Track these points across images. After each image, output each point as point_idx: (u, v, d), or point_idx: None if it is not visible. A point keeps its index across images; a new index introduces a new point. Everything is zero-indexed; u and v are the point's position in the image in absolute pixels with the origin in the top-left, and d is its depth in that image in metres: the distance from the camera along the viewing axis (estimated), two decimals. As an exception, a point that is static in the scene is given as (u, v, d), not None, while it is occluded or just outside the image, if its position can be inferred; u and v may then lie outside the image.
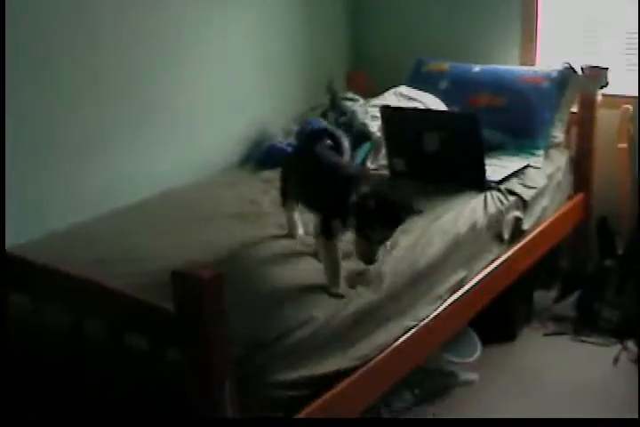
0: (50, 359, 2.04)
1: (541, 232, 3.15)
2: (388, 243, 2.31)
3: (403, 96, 3.49)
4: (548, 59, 3.69)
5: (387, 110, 3.14)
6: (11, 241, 2.35)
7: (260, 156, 3.38)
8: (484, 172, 2.97)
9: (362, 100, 3.61)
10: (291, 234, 2.57)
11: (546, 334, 3.46)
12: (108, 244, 2.55)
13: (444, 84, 3.63)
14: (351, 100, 3.59)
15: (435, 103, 3.48)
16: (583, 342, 3.39)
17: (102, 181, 3.01)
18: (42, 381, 2.08)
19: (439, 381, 3.08)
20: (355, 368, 2.18)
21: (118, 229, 2.70)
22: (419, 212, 2.20)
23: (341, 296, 2.20)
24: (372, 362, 2.24)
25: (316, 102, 3.74)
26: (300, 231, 2.57)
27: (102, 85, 2.98)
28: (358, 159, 3.33)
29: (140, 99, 3.13)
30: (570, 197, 3.48)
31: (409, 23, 4.00)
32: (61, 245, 2.54)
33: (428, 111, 3.23)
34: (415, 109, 3.24)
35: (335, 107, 3.59)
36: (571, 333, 3.45)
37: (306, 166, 2.47)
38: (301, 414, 2.00)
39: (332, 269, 2.24)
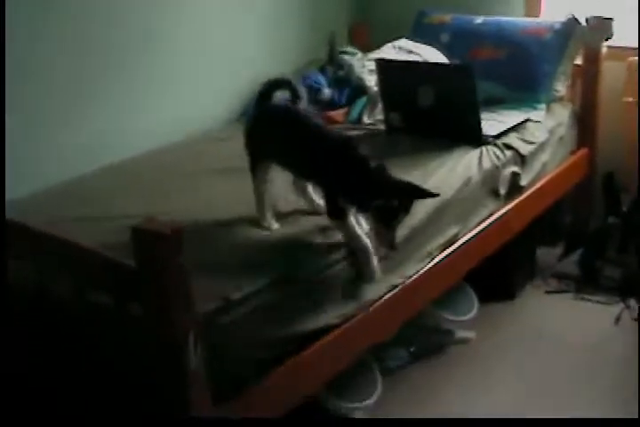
0: (18, 317, 2.02)
1: (541, 188, 3.08)
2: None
3: (401, 49, 3.40)
4: (554, 10, 3.57)
5: (382, 63, 3.07)
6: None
7: (253, 110, 3.31)
8: (479, 126, 2.89)
9: (360, 54, 3.54)
10: (261, 218, 2.31)
11: (547, 292, 3.41)
12: (90, 202, 2.52)
13: (445, 37, 3.53)
14: (349, 53, 3.52)
15: (435, 56, 3.39)
16: (585, 300, 3.33)
17: (94, 137, 2.95)
18: (9, 339, 2.05)
19: (435, 338, 3.05)
20: (335, 326, 2.14)
21: (103, 186, 2.67)
22: (436, 195, 2.16)
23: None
24: (354, 320, 2.19)
25: (316, 56, 3.65)
26: (272, 220, 2.31)
27: (97, 33, 2.91)
28: (354, 114, 3.26)
29: (135, 50, 3.07)
30: (573, 153, 3.38)
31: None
32: (43, 203, 2.51)
33: (423, 64, 3.15)
34: (410, 62, 3.15)
35: (333, 61, 3.52)
36: (573, 291, 3.38)
37: (293, 132, 2.27)
38: (276, 373, 1.96)
39: (361, 247, 2.17)
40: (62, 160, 2.86)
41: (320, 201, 2.30)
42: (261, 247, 2.17)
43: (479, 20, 3.48)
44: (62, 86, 2.85)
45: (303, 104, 2.35)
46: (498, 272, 3.34)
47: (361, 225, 2.20)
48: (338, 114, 3.26)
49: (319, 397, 2.51)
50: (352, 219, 2.14)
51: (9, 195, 2.41)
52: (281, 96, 2.42)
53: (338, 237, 2.21)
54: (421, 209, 2.47)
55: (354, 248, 2.17)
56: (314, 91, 3.36)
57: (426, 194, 2.11)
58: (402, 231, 2.33)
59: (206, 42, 3.36)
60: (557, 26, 3.32)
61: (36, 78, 2.75)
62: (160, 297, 1.66)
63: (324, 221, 2.24)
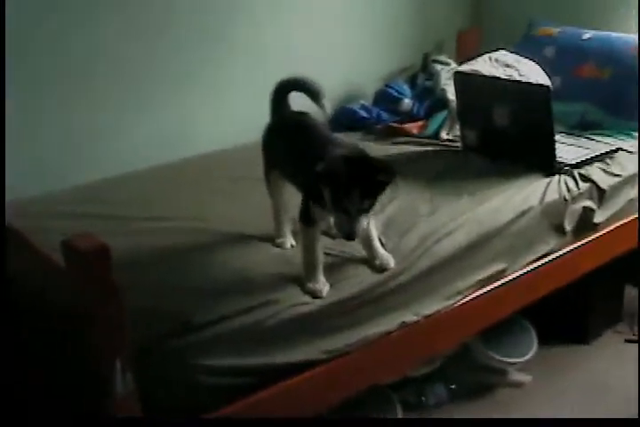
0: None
1: (623, 228, 2.75)
2: (387, 256, 2.08)
3: (498, 62, 3.15)
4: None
5: (459, 76, 2.85)
6: (30, 193, 2.45)
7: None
8: (553, 152, 2.62)
9: (453, 64, 3.31)
10: (276, 234, 2.17)
11: (627, 341, 3.07)
12: (113, 202, 2.50)
13: (550, 51, 3.26)
14: (442, 63, 3.30)
15: (533, 72, 3.13)
16: (669, 355, 2.97)
17: (150, 136, 2.93)
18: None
19: (483, 377, 2.82)
20: (321, 362, 1.96)
21: (137, 188, 2.63)
22: (393, 175, 1.82)
23: (317, 295, 1.95)
24: (347, 357, 2.01)
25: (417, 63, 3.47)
26: (287, 237, 2.17)
27: (154, 32, 2.87)
28: (431, 128, 3.05)
29: (206, 49, 3.01)
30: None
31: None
32: (67, 201, 2.51)
33: (501, 80, 2.88)
34: (488, 77, 2.89)
35: (425, 69, 3.31)
36: (659, 342, 3.03)
37: (290, 132, 2.13)
38: (236, 406, 1.83)
39: (308, 261, 1.99)
40: (113, 159, 2.85)
41: (382, 252, 2.10)
42: (252, 269, 2.03)
43: (587, 34, 3.18)
44: (116, 84, 2.83)
45: (324, 103, 2.12)
46: (574, 313, 3.05)
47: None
48: (414, 126, 3.08)
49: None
50: (318, 230, 1.97)
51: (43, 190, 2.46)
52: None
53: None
54: (456, 239, 2.26)
55: (303, 260, 1.99)
56: (393, 100, 3.19)
57: (391, 173, 1.80)
58: (423, 262, 2.14)
59: (291, 44, 3.25)
60: (670, 45, 2.97)
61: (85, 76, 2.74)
62: (83, 319, 1.56)
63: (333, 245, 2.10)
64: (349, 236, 1.83)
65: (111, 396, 1.60)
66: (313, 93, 2.10)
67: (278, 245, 2.17)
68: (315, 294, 1.95)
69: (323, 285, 1.97)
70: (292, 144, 2.09)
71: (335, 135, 2.11)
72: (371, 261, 2.07)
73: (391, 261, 2.06)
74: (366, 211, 1.82)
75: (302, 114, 2.16)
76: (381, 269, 2.06)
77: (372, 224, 2.02)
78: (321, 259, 1.99)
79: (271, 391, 1.88)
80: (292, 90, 2.18)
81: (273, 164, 2.18)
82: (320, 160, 1.80)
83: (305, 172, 1.93)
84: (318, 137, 2.04)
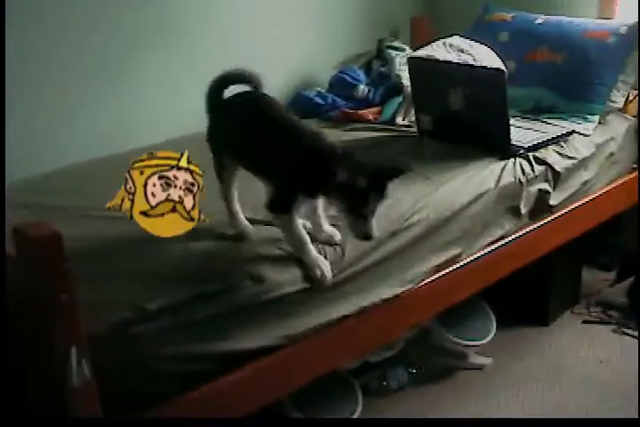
0: None
1: (578, 210, 2.78)
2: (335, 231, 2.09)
3: (452, 47, 3.15)
4: (631, 12, 3.22)
5: (414, 61, 2.85)
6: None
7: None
8: (508, 136, 2.63)
9: (408, 50, 3.31)
10: (236, 225, 2.12)
11: (585, 322, 3.11)
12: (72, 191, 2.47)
13: (504, 36, 3.26)
14: (397, 49, 3.30)
15: (488, 57, 3.13)
16: (625, 334, 3.01)
17: (108, 124, 2.90)
18: None
19: (444, 360, 2.85)
20: (275, 348, 1.96)
21: (90, 178, 2.58)
22: (408, 170, 1.95)
23: (323, 282, 2.00)
24: (301, 343, 2.00)
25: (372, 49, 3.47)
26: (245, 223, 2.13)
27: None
28: (387, 113, 3.06)
29: (159, 27, 2.97)
30: (629, 173, 3.04)
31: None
32: (21, 191, 2.46)
33: (455, 65, 2.88)
34: (442, 62, 2.90)
35: (380, 55, 3.31)
36: (615, 323, 3.07)
37: (224, 113, 2.11)
38: (193, 393, 1.81)
39: (297, 245, 1.99)
40: (73, 147, 2.81)
41: (327, 227, 2.10)
42: (208, 256, 2.01)
43: (540, 19, 3.19)
44: (79, 69, 2.80)
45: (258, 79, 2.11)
46: (532, 295, 3.08)
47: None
48: (369, 112, 3.07)
49: (283, 406, 2.38)
50: (296, 217, 1.96)
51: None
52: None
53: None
54: (410, 224, 2.26)
55: (292, 246, 2.00)
56: (348, 87, 3.18)
57: (398, 172, 1.91)
58: (377, 250, 2.15)
59: (248, 28, 3.23)
60: (623, 29, 3.00)
61: (61, 63, 2.74)
62: (37, 308, 1.54)
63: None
64: (367, 237, 1.90)
65: (67, 385, 1.57)
66: (257, 85, 2.09)
67: (239, 236, 2.12)
68: (324, 282, 2.00)
69: (323, 264, 2.00)
70: (250, 127, 2.05)
71: (293, 117, 2.09)
72: (317, 235, 2.06)
73: (337, 235, 2.06)
74: (375, 211, 1.89)
75: (257, 94, 2.10)
76: (328, 242, 2.06)
77: (319, 202, 2.03)
78: (307, 237, 1.99)
79: (229, 378, 1.88)
80: (231, 84, 2.12)
81: (223, 151, 2.12)
82: (294, 151, 1.91)
83: (277, 161, 1.97)
84: (281, 122, 2.02)
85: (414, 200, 2.34)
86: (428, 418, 2.56)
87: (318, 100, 3.15)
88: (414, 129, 2.94)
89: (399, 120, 3.03)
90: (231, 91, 2.14)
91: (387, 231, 2.19)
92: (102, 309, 1.74)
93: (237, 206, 2.14)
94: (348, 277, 2.10)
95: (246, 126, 2.06)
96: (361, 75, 3.25)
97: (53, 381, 1.59)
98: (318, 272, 1.98)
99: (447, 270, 2.38)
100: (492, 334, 2.83)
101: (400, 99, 3.07)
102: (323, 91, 3.24)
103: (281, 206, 1.96)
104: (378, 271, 2.18)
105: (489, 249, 2.51)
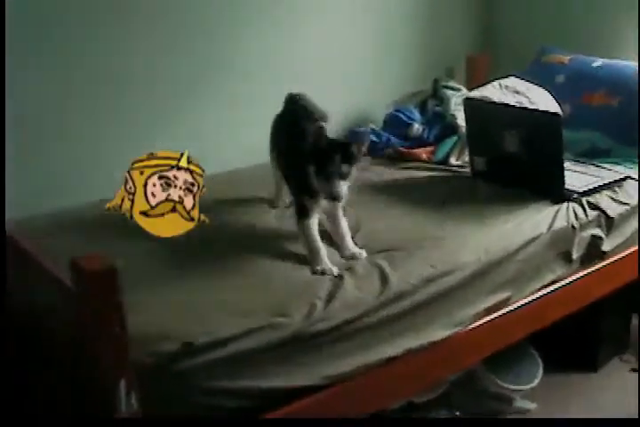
0: None
1: (630, 257, 2.74)
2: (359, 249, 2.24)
3: (508, 88, 3.17)
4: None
5: (470, 102, 2.86)
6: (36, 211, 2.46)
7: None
8: (562, 180, 2.62)
9: (464, 90, 3.32)
10: (274, 199, 2.53)
11: (633, 370, 3.05)
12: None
13: (560, 78, 3.27)
14: (452, 88, 3.31)
15: (544, 99, 3.14)
16: (676, 386, 2.95)
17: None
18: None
19: (488, 404, 2.80)
20: (320, 387, 1.95)
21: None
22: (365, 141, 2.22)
23: (328, 273, 2.12)
24: (346, 384, 2.00)
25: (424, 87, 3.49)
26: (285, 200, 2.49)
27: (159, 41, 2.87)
28: (440, 153, 3.06)
29: (221, 66, 3.06)
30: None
31: (542, 7, 3.64)
32: (74, 219, 2.53)
33: (511, 107, 2.88)
34: (498, 104, 2.90)
35: (436, 94, 3.32)
36: (664, 372, 3.02)
37: (285, 130, 2.48)
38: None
39: (310, 248, 2.18)
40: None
41: (352, 245, 2.26)
42: (254, 291, 2.03)
43: (598, 62, 3.19)
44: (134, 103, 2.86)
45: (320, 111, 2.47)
46: (581, 341, 3.04)
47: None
48: (423, 151, 3.09)
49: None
50: (314, 221, 2.20)
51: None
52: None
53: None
54: (461, 265, 2.25)
55: (306, 249, 2.19)
56: (403, 125, 3.20)
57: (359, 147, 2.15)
58: (426, 289, 2.14)
59: (305, 67, 3.28)
60: (682, 75, 2.97)
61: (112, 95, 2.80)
62: (89, 339, 1.56)
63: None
64: (334, 196, 2.12)
65: (114, 417, 1.59)
66: (308, 111, 2.47)
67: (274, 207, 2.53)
68: (326, 273, 2.11)
69: (330, 265, 2.14)
70: (285, 136, 2.43)
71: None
72: (342, 253, 2.23)
73: (363, 254, 2.21)
74: (345, 176, 2.10)
75: (304, 110, 2.46)
76: (352, 257, 2.21)
77: (343, 220, 2.27)
78: (321, 245, 2.18)
79: (271, 416, 1.87)
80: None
81: (273, 147, 2.51)
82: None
83: (294, 166, 2.28)
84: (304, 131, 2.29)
85: (466, 241, 2.33)
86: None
87: (373, 137, 3.17)
88: (468, 170, 2.93)
89: (453, 160, 3.03)
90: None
91: (436, 271, 2.19)
92: (152, 341, 1.75)
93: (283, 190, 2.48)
94: (394, 317, 2.09)
95: (282, 134, 2.49)
96: (416, 114, 3.27)
97: (101, 411, 1.61)
98: (327, 267, 2.13)
99: (497, 314, 2.35)
100: (538, 379, 2.79)
101: (454, 139, 3.07)
102: (377, 128, 3.26)
103: (298, 212, 2.22)
104: (425, 312, 2.16)
105: (539, 294, 2.48)
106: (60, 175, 2.69)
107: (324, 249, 2.18)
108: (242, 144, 3.07)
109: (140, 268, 2.09)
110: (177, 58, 2.90)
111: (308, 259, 2.17)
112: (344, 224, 2.27)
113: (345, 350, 2.00)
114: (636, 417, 2.40)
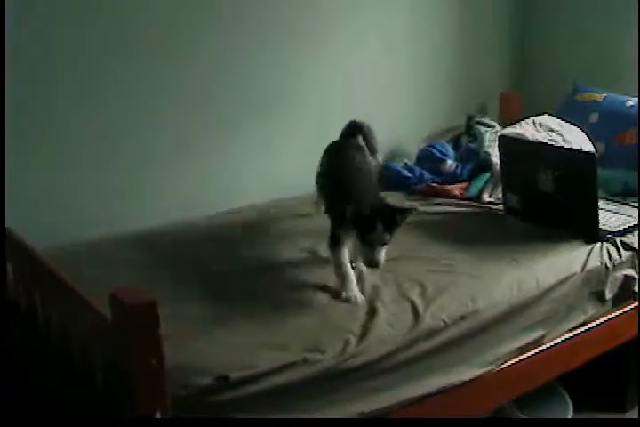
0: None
1: (663, 297, 2.73)
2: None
3: (542, 126, 3.17)
4: None
5: (504, 139, 2.86)
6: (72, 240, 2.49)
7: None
8: (596, 220, 2.61)
9: (497, 127, 3.34)
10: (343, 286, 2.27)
11: (661, 411, 3.01)
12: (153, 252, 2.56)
13: (594, 117, 3.27)
14: (486, 125, 3.32)
15: (577, 137, 3.14)
16: None
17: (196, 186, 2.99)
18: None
19: (517, 445, 2.77)
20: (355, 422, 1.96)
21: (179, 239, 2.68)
22: (412, 209, 2.28)
23: (352, 301, 2.16)
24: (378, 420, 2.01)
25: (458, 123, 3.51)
26: (356, 289, 2.25)
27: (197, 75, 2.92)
28: (473, 189, 3.07)
29: (264, 97, 3.11)
30: None
31: (576, 44, 3.65)
32: (110, 249, 2.57)
33: (546, 145, 2.89)
34: (532, 142, 2.91)
35: (469, 130, 3.34)
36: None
37: (332, 164, 2.59)
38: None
39: (340, 274, 2.23)
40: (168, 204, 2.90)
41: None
42: (289, 325, 2.04)
43: (631, 101, 3.19)
44: (163, 134, 2.90)
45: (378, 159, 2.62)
46: (611, 380, 3.02)
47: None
48: (456, 187, 3.09)
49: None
50: (345, 249, 2.24)
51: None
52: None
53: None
54: (494, 303, 2.25)
55: (336, 275, 2.24)
56: (436, 161, 3.21)
57: (405, 211, 2.21)
58: (458, 327, 2.14)
59: (340, 101, 3.31)
60: None
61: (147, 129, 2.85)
62: (127, 371, 1.58)
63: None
64: (373, 264, 2.15)
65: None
66: (367, 139, 2.65)
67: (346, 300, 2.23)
68: (350, 300, 2.16)
69: (357, 293, 2.19)
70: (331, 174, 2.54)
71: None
72: (338, 292, 2.20)
73: (359, 299, 2.18)
74: (385, 243, 2.14)
75: (355, 147, 2.60)
76: (344, 300, 2.17)
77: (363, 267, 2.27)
78: (351, 272, 2.24)
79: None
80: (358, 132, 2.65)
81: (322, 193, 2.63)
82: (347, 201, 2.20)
83: (335, 204, 2.36)
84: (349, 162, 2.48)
85: (499, 279, 2.33)
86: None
87: (406, 172, 3.19)
88: (500, 207, 2.93)
89: (485, 197, 3.03)
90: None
91: (468, 308, 2.20)
92: (186, 375, 1.77)
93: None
94: (426, 354, 2.09)
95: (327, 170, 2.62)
96: (449, 150, 3.29)
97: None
98: (352, 295, 2.18)
99: (528, 354, 2.35)
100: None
101: (487, 175, 3.09)
102: (410, 163, 3.28)
103: (331, 241, 2.27)
104: (457, 350, 2.17)
105: (571, 334, 2.48)
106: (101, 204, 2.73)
107: (353, 276, 2.23)
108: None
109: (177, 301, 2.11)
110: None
111: (337, 285, 2.22)
112: (362, 269, 2.32)
113: (377, 387, 2.01)
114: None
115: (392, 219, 2.15)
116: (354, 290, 2.19)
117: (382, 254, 2.13)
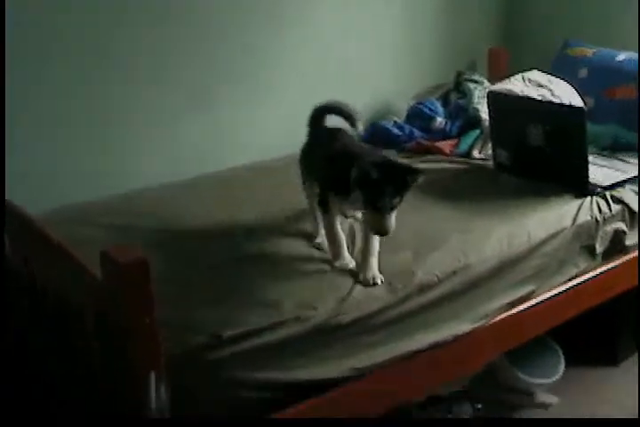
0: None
1: (655, 250, 2.73)
2: (377, 273, 2.09)
3: (531, 82, 3.15)
4: None
5: (493, 95, 2.85)
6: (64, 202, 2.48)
7: (365, 135, 3.16)
8: (586, 174, 2.61)
9: (486, 83, 3.32)
10: (317, 237, 2.29)
11: (654, 364, 3.04)
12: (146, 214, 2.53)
13: (583, 72, 3.25)
14: (475, 82, 3.30)
15: (567, 92, 3.13)
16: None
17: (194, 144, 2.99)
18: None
19: (510, 397, 2.81)
20: (349, 379, 1.97)
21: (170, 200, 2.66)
22: (421, 172, 1.98)
23: (346, 268, 2.10)
24: (370, 377, 2.01)
25: (449, 81, 3.49)
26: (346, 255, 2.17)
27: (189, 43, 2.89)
28: (463, 146, 3.06)
29: (239, 62, 3.04)
30: None
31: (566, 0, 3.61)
32: (102, 211, 2.55)
33: (535, 101, 2.88)
34: (522, 97, 2.90)
35: (458, 87, 3.32)
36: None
37: (313, 140, 2.37)
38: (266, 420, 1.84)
39: (332, 242, 2.15)
40: (157, 167, 2.88)
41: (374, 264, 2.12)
42: (283, 284, 2.04)
43: (622, 56, 3.17)
44: (169, 93, 2.88)
45: (359, 128, 2.31)
46: (602, 335, 3.04)
47: None
48: (446, 145, 3.08)
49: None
50: (337, 214, 2.14)
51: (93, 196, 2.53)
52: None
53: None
54: (485, 259, 2.25)
55: (327, 242, 2.17)
56: (426, 118, 3.20)
57: (415, 172, 1.97)
58: (451, 282, 2.14)
59: (326, 60, 3.29)
60: None
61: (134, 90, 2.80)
62: (119, 331, 1.58)
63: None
64: (382, 232, 1.98)
65: (146, 408, 1.61)
66: (348, 117, 2.28)
67: (316, 246, 2.26)
68: (344, 268, 2.09)
69: (349, 260, 2.12)
70: (323, 153, 2.23)
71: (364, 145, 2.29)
72: (357, 272, 2.09)
73: (378, 279, 2.06)
74: (394, 208, 1.96)
75: (336, 130, 2.32)
76: (364, 283, 2.06)
77: (375, 240, 2.10)
78: (343, 238, 2.15)
79: (297, 408, 1.89)
80: (328, 113, 2.35)
81: (308, 175, 2.33)
82: (348, 164, 1.96)
83: (325, 169, 2.17)
84: (346, 145, 2.21)
85: (489, 235, 2.33)
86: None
87: (396, 130, 3.17)
88: (490, 163, 2.93)
89: (475, 153, 3.02)
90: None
91: (460, 264, 2.20)
92: (180, 334, 1.77)
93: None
94: (418, 310, 2.10)
95: (319, 154, 2.27)
96: (438, 107, 3.27)
97: (131, 402, 1.63)
98: (345, 264, 2.11)
99: (520, 308, 2.36)
100: (559, 373, 2.79)
101: (477, 132, 3.07)
102: (399, 121, 3.26)
103: (320, 207, 2.16)
104: (449, 305, 2.18)
105: (563, 288, 2.48)
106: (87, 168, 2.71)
107: (344, 242, 2.16)
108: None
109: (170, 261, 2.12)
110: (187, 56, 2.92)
111: (329, 252, 2.17)
112: (375, 243, 2.11)
113: (370, 342, 2.02)
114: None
115: (403, 180, 1.95)
116: (346, 257, 2.13)
117: (392, 221, 1.95)
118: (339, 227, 2.16)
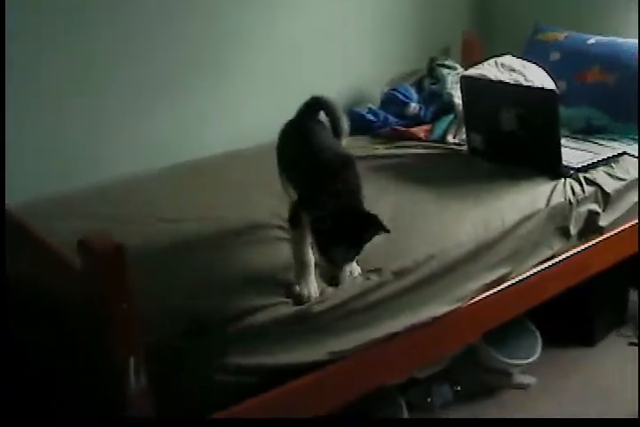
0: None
1: (627, 231, 2.77)
2: (354, 266, 2.02)
3: (504, 66, 3.18)
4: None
5: (466, 80, 2.88)
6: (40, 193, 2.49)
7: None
8: (559, 157, 2.64)
9: (460, 69, 3.34)
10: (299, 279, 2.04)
11: (631, 344, 3.09)
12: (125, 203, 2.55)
13: (555, 56, 3.28)
14: (448, 67, 3.32)
15: (539, 76, 3.15)
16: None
17: (167, 133, 2.98)
18: None
19: (488, 379, 2.84)
20: (323, 363, 1.99)
21: (148, 189, 2.67)
22: (386, 231, 1.82)
23: (302, 301, 1.94)
24: (350, 359, 2.03)
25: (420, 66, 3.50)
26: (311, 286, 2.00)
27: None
28: (437, 131, 3.08)
29: (220, 47, 3.05)
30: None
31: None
32: (78, 201, 2.56)
33: (507, 85, 2.91)
34: (494, 81, 2.92)
35: (432, 73, 3.34)
36: (662, 346, 3.05)
37: (294, 141, 2.20)
38: (243, 405, 1.85)
39: (296, 263, 1.99)
40: (130, 156, 2.87)
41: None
42: (263, 269, 2.06)
43: (593, 39, 3.20)
44: (142, 78, 2.89)
45: (343, 125, 2.24)
46: (578, 315, 3.08)
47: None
48: (420, 130, 3.10)
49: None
50: (307, 233, 1.91)
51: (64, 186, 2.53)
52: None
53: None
54: (460, 242, 2.27)
55: (295, 261, 1.99)
56: (400, 104, 3.21)
57: (378, 228, 1.80)
58: (427, 266, 2.16)
59: (301, 46, 3.29)
60: (678, 51, 2.99)
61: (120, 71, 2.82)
62: (97, 318, 1.59)
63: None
64: (333, 284, 1.88)
65: (124, 394, 1.62)
66: (335, 126, 2.22)
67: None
68: (301, 300, 1.94)
69: (314, 291, 1.96)
70: (295, 149, 2.16)
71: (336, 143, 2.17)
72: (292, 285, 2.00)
73: (313, 296, 1.96)
74: (351, 260, 1.86)
75: (313, 122, 2.25)
76: (296, 295, 1.96)
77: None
78: (310, 261, 1.97)
79: (277, 392, 1.91)
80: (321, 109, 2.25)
81: (282, 166, 2.24)
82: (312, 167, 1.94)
83: (300, 178, 2.06)
84: (317, 145, 2.09)
85: (464, 218, 2.35)
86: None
87: (370, 116, 3.19)
88: (465, 147, 2.95)
89: (450, 138, 3.04)
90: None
91: (435, 247, 2.22)
92: (161, 320, 1.78)
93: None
94: (396, 293, 2.12)
95: (292, 148, 2.19)
96: (412, 93, 3.28)
97: (111, 388, 1.64)
98: (305, 292, 1.94)
99: (496, 289, 2.38)
100: (537, 354, 2.83)
101: (451, 117, 3.09)
102: (374, 107, 3.27)
103: (291, 221, 2.00)
104: (427, 288, 2.20)
105: (538, 269, 2.51)
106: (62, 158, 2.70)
107: (312, 267, 1.97)
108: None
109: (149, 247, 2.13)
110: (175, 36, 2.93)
111: (294, 271, 1.99)
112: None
113: (349, 326, 2.04)
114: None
115: (361, 235, 1.82)
116: (309, 286, 1.95)
117: (346, 274, 1.85)
118: (309, 246, 1.95)
